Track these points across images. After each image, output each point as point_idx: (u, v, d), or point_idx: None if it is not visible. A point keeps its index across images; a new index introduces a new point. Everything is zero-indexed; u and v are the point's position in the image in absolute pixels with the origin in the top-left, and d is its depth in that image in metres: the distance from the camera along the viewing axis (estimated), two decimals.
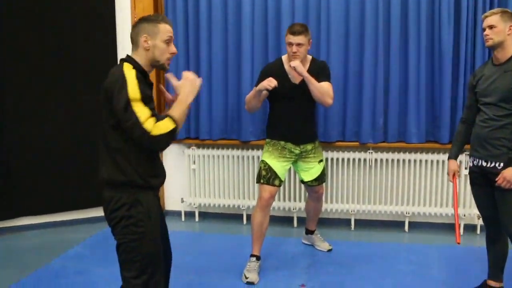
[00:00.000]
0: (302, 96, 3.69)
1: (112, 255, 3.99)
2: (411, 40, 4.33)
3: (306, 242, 4.27)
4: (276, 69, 3.74)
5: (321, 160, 3.93)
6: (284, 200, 4.79)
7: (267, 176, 3.70)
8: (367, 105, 4.44)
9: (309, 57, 3.80)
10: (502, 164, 2.91)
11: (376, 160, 4.58)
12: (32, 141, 4.60)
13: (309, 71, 3.65)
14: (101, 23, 4.74)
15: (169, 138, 2.18)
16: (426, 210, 4.56)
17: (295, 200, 4.76)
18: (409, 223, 4.66)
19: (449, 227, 4.60)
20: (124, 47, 4.80)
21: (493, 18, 2.93)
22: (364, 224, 4.76)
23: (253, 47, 4.60)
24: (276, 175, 3.71)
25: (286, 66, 3.74)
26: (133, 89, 2.14)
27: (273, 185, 3.69)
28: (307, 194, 4.17)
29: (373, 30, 4.36)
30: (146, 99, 2.16)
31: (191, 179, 4.92)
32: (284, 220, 4.87)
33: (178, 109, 2.24)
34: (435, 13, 4.28)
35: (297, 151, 3.81)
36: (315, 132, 3.98)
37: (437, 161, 4.48)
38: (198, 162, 4.89)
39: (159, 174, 2.39)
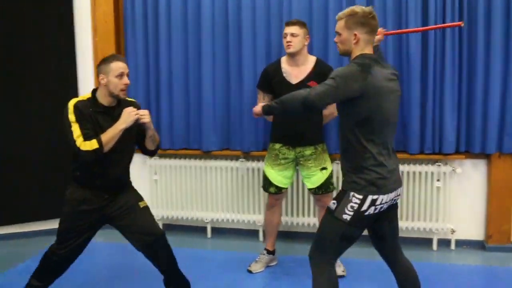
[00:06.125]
0: None
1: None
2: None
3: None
4: (274, 69, 3.97)
5: (324, 168, 3.94)
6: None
7: (263, 184, 4.10)
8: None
9: (313, 58, 3.95)
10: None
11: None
12: None
13: (312, 73, 3.84)
14: (59, 28, 4.83)
15: (92, 154, 2.89)
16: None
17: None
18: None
19: None
20: (83, 53, 4.81)
21: (338, 24, 2.65)
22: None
23: (214, 55, 4.71)
24: (270, 183, 4.02)
25: (283, 66, 3.92)
26: (70, 114, 2.95)
27: (269, 192, 4.03)
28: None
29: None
30: (81, 121, 2.93)
31: (152, 190, 5.00)
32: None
33: (108, 134, 2.94)
34: None
35: (291, 156, 3.92)
36: (317, 136, 3.97)
37: None
38: (160, 172, 4.96)
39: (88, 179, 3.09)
